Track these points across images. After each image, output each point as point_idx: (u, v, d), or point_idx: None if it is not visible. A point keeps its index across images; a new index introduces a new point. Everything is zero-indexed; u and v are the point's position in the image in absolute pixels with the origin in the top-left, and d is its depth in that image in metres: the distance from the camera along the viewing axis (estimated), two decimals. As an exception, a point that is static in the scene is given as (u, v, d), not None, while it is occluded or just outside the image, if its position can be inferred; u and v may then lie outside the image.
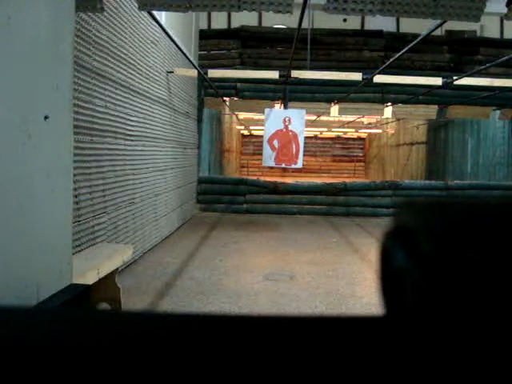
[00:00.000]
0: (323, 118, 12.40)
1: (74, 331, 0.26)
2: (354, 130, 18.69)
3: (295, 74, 7.25)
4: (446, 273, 0.25)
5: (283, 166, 8.66)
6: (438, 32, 6.19)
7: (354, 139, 23.23)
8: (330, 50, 11.16)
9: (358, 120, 14.22)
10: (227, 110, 12.13)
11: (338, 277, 5.04)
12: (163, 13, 5.91)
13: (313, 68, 8.01)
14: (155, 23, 5.02)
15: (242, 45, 11.34)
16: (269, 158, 8.33)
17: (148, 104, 5.93)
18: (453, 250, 0.26)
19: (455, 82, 7.24)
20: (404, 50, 5.29)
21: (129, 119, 5.19)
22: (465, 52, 11.43)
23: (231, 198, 9.87)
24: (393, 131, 17.29)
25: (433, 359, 0.22)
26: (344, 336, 0.25)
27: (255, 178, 11.03)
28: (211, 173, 11.49)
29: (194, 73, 7.42)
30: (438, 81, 7.40)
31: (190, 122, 8.98)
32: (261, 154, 8.65)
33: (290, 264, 5.55)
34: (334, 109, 9.72)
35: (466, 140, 12.57)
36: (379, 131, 18.67)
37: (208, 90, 9.73)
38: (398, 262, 0.29)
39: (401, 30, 14.03)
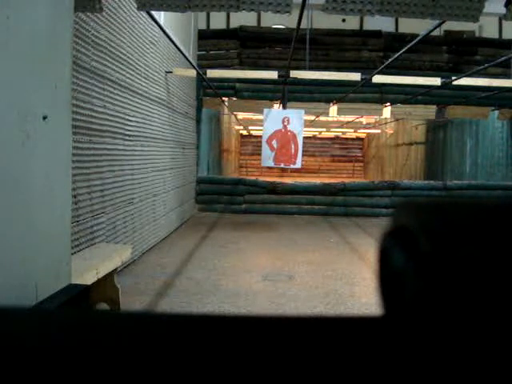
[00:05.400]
0: (322, 118, 12.41)
1: (73, 332, 0.26)
2: (352, 130, 18.69)
3: (294, 74, 7.25)
4: (444, 273, 0.25)
5: (282, 166, 8.67)
6: (436, 32, 6.20)
7: (352, 139, 23.24)
8: (328, 50, 11.17)
9: (357, 120, 14.23)
10: (226, 110, 12.14)
11: (337, 277, 5.04)
12: (162, 13, 5.91)
13: (312, 68, 8.01)
14: (154, 23, 5.02)
15: (240, 45, 11.34)
16: (268, 158, 8.34)
17: (147, 104, 5.93)
18: (451, 251, 0.26)
19: (454, 82, 7.25)
20: (403, 50, 5.30)
21: (127, 119, 5.18)
22: (463, 52, 11.45)
23: (230, 198, 9.87)
24: (392, 131, 17.29)
25: (431, 359, 0.23)
26: (343, 336, 0.25)
27: (254, 178, 11.03)
28: (210, 173, 11.49)
29: (192, 73, 7.42)
30: (436, 81, 7.41)
31: (189, 122, 8.98)
32: (259, 154, 8.66)
33: (288, 264, 5.55)
34: (333, 109, 9.72)
35: (464, 140, 12.58)
36: (378, 131, 18.68)
37: (207, 90, 9.73)
38: (396, 262, 0.29)
39: (399, 30, 14.04)
